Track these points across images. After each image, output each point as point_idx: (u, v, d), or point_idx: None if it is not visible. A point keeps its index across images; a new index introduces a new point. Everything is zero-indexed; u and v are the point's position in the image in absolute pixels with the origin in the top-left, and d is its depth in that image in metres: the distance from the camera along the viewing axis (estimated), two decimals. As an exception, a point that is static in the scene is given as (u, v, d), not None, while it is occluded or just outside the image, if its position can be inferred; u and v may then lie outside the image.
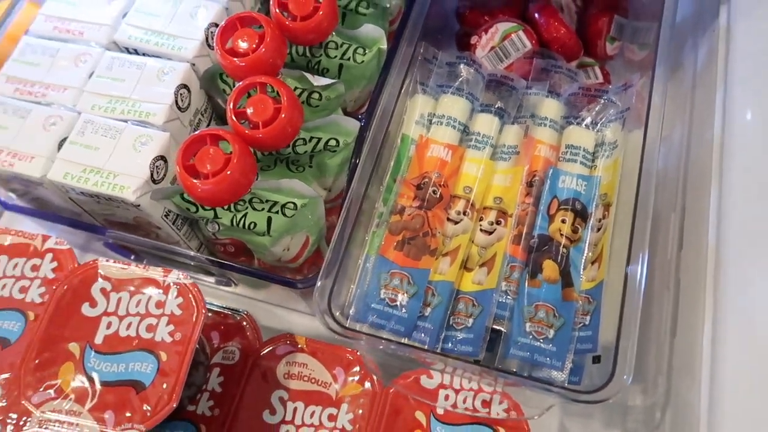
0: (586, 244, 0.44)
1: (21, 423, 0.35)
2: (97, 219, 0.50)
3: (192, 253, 0.48)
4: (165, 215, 0.45)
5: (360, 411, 0.42)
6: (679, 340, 0.45)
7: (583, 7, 0.60)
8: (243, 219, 0.43)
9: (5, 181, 0.47)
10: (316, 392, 0.43)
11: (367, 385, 0.43)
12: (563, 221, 0.45)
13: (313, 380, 0.44)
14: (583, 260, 0.44)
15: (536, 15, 0.56)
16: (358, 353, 0.44)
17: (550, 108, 0.49)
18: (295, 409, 0.43)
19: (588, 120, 0.49)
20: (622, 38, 0.59)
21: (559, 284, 0.43)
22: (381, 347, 0.41)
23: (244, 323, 0.47)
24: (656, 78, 0.47)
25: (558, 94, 0.50)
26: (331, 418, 0.42)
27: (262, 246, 0.45)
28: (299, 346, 0.45)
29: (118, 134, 0.44)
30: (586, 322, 0.42)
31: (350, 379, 0.43)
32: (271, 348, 0.45)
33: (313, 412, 0.43)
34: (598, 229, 0.45)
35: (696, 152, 0.51)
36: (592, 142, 0.48)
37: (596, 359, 0.40)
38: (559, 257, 0.43)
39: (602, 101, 0.49)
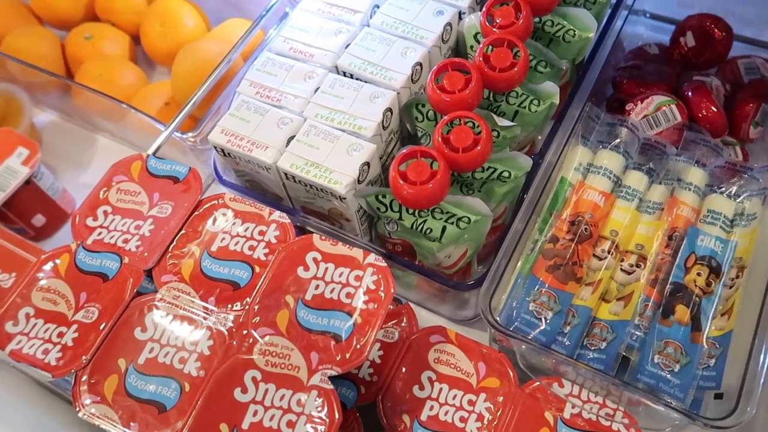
0: (718, 297, 0.50)
1: (248, 346, 0.45)
2: (294, 204, 0.61)
3: (365, 244, 0.58)
4: (357, 210, 0.55)
5: (499, 398, 0.49)
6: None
7: (732, 91, 0.66)
8: (422, 224, 0.52)
9: (235, 162, 0.59)
10: (460, 379, 0.51)
11: (505, 381, 0.50)
12: (698, 274, 0.51)
13: (458, 369, 0.51)
14: (713, 310, 0.49)
15: (689, 93, 0.63)
16: (499, 351, 0.51)
17: (696, 175, 0.56)
18: (440, 390, 0.50)
19: (731, 191, 0.55)
20: (766, 125, 0.64)
21: (689, 327, 0.49)
22: (524, 347, 0.49)
23: (404, 311, 0.55)
24: (802, 164, 0.53)
25: (703, 164, 0.57)
26: (471, 403, 0.50)
27: (429, 250, 0.54)
28: (450, 337, 0.53)
29: (335, 139, 0.55)
30: (711, 364, 0.48)
31: (491, 373, 0.51)
32: (425, 335, 0.53)
33: (455, 395, 0.50)
34: (731, 287, 0.50)
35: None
36: (732, 210, 0.54)
37: (718, 396, 0.46)
38: (692, 304, 0.50)
39: (745, 177, 0.55)
